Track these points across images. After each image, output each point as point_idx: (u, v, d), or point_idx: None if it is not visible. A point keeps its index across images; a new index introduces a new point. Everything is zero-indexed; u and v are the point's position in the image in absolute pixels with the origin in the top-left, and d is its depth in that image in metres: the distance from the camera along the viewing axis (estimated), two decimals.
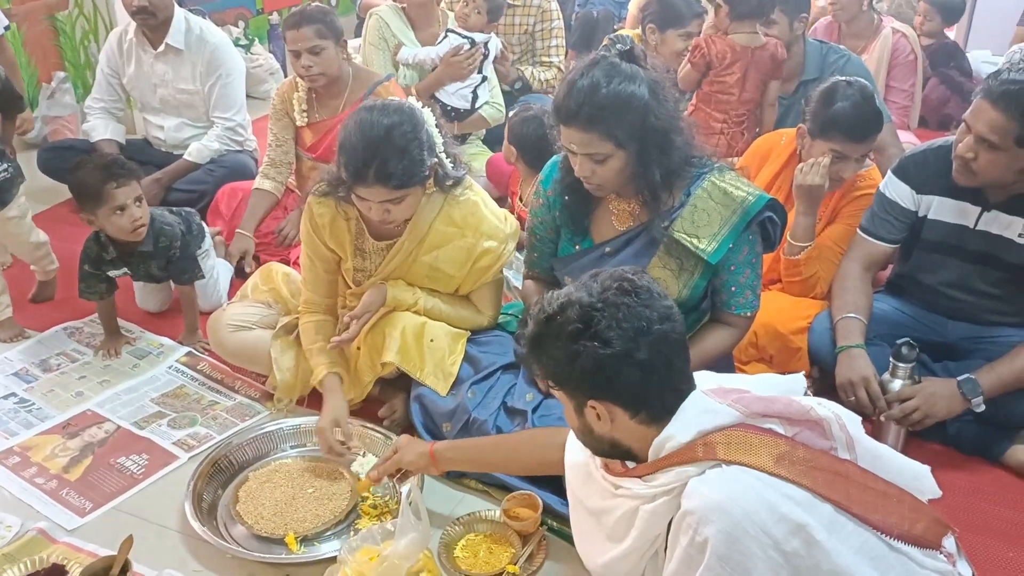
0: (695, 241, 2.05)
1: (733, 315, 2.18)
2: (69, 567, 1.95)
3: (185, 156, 3.62)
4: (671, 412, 1.46)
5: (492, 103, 3.86)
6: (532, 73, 4.16)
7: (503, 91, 4.10)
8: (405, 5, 3.86)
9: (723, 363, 2.28)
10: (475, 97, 3.80)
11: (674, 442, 1.44)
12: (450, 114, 3.73)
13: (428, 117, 2.22)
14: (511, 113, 3.17)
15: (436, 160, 2.20)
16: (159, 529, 2.12)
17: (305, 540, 2.05)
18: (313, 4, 3.81)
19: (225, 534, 2.07)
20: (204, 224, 3.10)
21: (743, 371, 2.50)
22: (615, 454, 1.55)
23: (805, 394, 1.59)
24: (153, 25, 3.58)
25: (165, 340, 2.89)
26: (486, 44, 3.77)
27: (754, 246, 2.12)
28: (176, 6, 3.62)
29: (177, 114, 3.74)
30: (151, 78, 3.70)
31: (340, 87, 3.16)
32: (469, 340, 2.38)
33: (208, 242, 3.06)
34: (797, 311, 2.55)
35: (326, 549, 2.02)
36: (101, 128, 3.73)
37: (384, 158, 2.07)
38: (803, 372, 1.68)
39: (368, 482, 2.07)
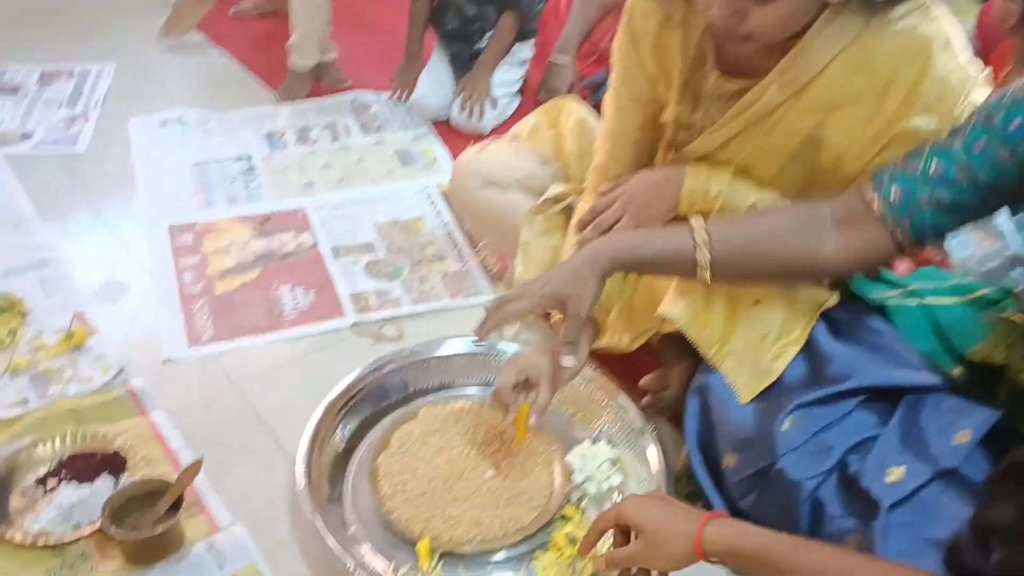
0: None
1: None
2: (133, 461, 1.31)
3: None
4: None
5: None
6: None
7: None
8: None
9: None
10: None
11: None
12: None
13: None
14: None
15: None
16: (268, 431, 1.40)
17: (447, 557, 1.19)
18: None
19: (345, 493, 1.28)
20: None
21: None
22: None
23: None
24: None
25: (446, 155, 2.15)
26: None
27: None
28: None
29: None
30: None
31: None
32: (822, 315, 1.25)
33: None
34: None
35: None
36: None
37: None
38: None
39: None
